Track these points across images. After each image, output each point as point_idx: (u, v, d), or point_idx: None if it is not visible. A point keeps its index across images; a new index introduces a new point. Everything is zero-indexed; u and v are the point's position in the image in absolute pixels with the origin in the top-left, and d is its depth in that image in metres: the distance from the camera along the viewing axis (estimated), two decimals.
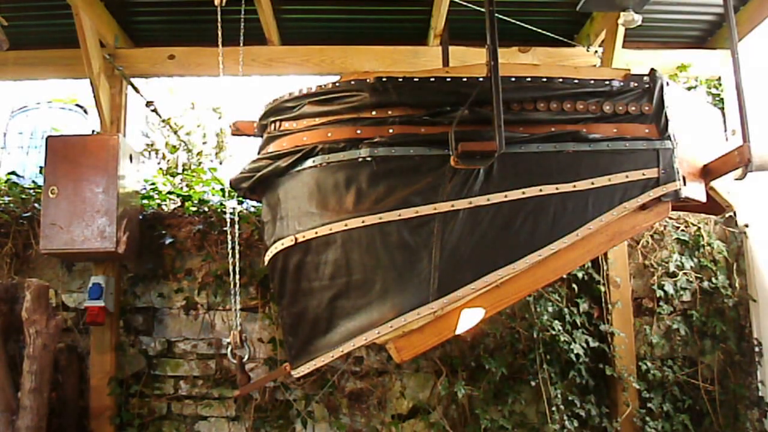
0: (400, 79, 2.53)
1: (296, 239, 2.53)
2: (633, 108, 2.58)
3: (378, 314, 2.39)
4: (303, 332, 2.64)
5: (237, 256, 3.06)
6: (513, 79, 2.54)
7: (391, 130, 2.44)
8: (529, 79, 2.56)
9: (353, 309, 2.45)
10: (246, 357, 2.98)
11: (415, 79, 2.54)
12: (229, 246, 3.10)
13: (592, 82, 2.59)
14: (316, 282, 2.52)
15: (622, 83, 2.61)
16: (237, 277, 3.06)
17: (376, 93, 2.50)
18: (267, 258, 2.77)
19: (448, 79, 2.55)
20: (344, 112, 2.54)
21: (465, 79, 2.54)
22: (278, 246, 2.62)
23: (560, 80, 2.58)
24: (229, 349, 2.99)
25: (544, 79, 2.57)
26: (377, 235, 2.41)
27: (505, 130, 2.31)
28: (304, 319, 2.62)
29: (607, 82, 2.59)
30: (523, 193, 2.43)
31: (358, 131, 2.46)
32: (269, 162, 2.65)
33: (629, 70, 2.73)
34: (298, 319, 2.67)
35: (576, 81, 2.59)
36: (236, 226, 3.13)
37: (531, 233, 2.42)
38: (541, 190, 2.45)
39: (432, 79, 2.55)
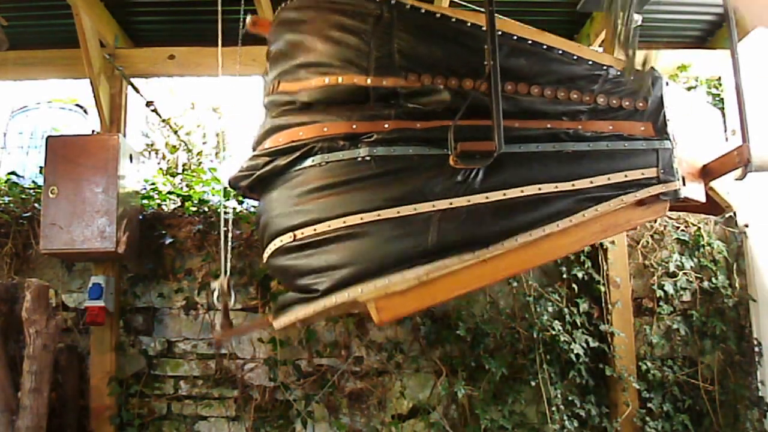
0: (408, 6, 2.51)
1: (295, 236, 2.54)
2: (627, 103, 2.58)
3: (364, 273, 2.41)
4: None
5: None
6: (515, 37, 2.52)
7: (386, 125, 2.43)
8: (530, 41, 2.54)
9: (340, 265, 2.46)
10: (231, 303, 2.96)
11: (422, 11, 2.51)
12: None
13: (590, 63, 2.58)
14: (312, 274, 2.53)
15: (619, 72, 2.60)
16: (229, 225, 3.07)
17: (378, 22, 2.47)
18: (266, 256, 2.77)
19: (453, 20, 2.51)
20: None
21: (469, 24, 2.51)
22: (277, 243, 2.62)
23: (560, 51, 2.56)
24: (216, 294, 2.93)
25: (545, 46, 2.55)
26: (375, 230, 2.42)
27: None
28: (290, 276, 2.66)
29: (604, 67, 2.59)
30: (522, 191, 2.43)
31: (354, 126, 2.46)
32: (267, 160, 2.64)
33: None
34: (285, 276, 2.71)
35: (575, 57, 2.57)
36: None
37: (525, 217, 2.44)
38: (540, 189, 2.45)
39: (438, 15, 2.52)
